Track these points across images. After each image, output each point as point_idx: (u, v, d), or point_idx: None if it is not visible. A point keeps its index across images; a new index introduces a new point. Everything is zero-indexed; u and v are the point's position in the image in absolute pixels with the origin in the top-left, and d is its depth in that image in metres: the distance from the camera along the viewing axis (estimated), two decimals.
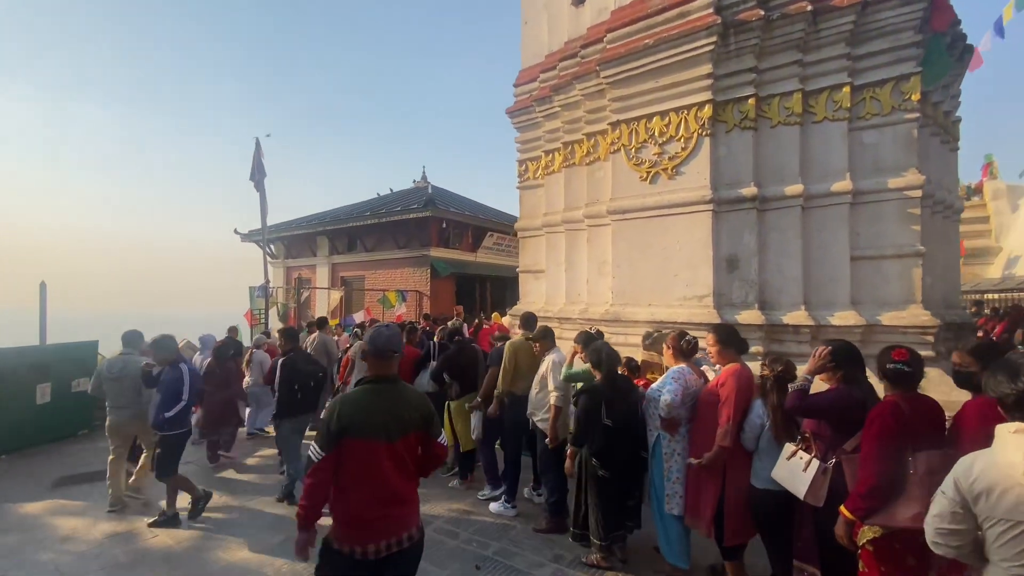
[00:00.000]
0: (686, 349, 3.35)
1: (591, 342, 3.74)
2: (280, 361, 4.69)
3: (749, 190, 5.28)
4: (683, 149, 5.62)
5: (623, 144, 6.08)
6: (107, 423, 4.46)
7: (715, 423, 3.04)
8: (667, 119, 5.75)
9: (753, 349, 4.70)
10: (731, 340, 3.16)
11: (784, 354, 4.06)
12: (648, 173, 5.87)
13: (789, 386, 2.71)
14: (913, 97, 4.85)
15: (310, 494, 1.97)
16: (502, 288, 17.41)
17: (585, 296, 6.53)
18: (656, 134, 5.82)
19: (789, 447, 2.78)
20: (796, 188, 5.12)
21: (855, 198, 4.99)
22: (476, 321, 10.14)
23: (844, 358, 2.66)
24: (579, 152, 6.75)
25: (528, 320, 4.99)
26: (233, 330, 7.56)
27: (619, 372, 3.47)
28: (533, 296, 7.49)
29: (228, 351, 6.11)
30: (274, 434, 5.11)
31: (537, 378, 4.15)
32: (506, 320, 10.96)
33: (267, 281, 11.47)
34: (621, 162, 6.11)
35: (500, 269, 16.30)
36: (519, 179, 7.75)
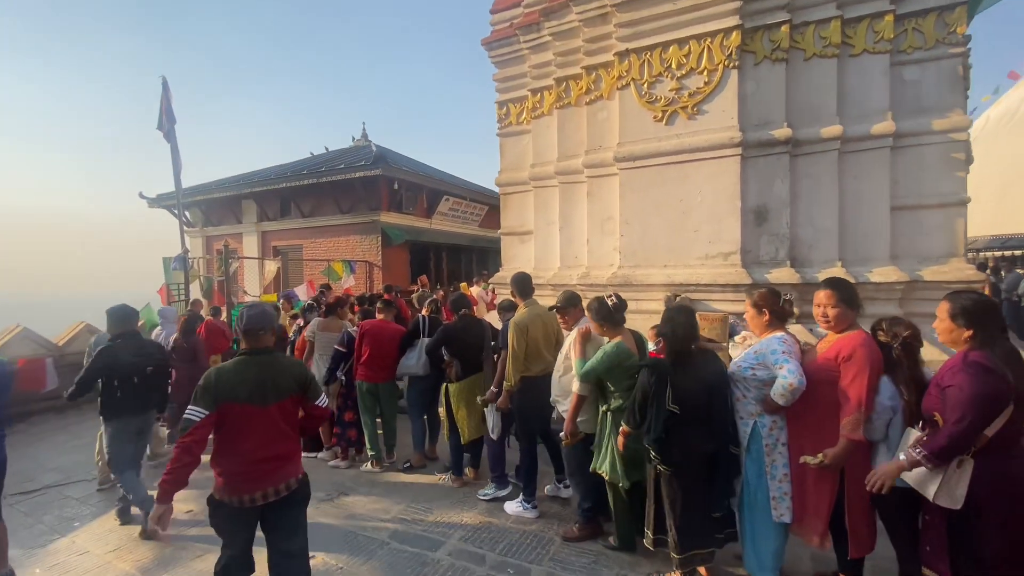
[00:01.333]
0: (788, 311, 2.63)
1: (611, 315, 2.90)
2: (99, 349, 3.52)
3: (782, 131, 4.64)
4: (706, 84, 4.85)
5: (633, 78, 5.20)
6: None
7: (830, 408, 2.37)
8: (687, 48, 4.93)
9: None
10: (853, 299, 2.46)
11: None
12: (664, 112, 5.06)
13: None
14: (958, 30, 4.38)
15: (183, 455, 2.06)
16: (459, 258, 16.27)
17: (585, 259, 5.71)
18: (673, 66, 5.00)
19: (912, 433, 2.17)
20: (834, 130, 4.54)
21: (896, 141, 4.50)
22: (442, 292, 9.07)
23: (978, 316, 2.03)
24: (576, 89, 5.79)
25: (523, 283, 3.92)
26: (197, 304, 7.59)
27: (694, 347, 2.66)
28: (519, 262, 6.56)
29: (195, 324, 5.71)
30: None
31: (561, 356, 3.29)
32: (475, 290, 10.00)
33: (185, 250, 9.59)
34: (630, 100, 5.24)
35: (457, 237, 15.13)
36: (499, 124, 6.67)
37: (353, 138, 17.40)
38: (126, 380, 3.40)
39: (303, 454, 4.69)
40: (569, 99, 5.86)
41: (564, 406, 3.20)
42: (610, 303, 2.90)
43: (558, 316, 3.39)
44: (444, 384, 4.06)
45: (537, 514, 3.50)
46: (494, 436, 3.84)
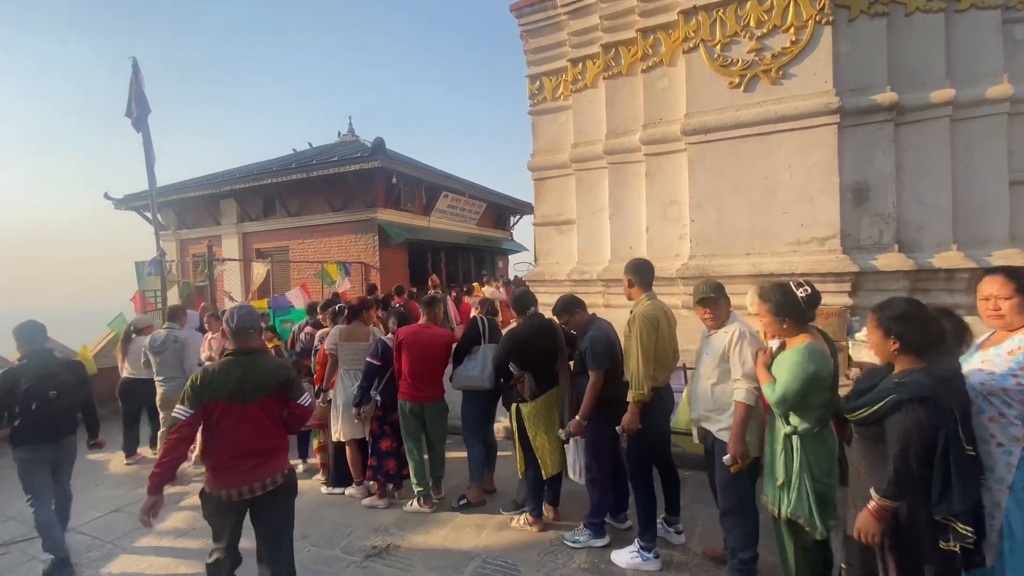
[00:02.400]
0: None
1: (802, 312, 2.17)
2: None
3: (885, 96, 4.03)
4: (792, 43, 4.21)
5: (702, 39, 4.53)
6: (159, 396, 4.52)
7: None
8: (768, 3, 4.28)
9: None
10: None
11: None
12: (741, 77, 4.40)
13: None
14: None
15: (171, 450, 2.16)
16: (457, 259, 15.40)
17: (643, 249, 5.00)
18: (752, 24, 4.34)
19: None
20: (945, 94, 3.96)
21: (1012, 107, 3.95)
22: (454, 293, 8.23)
23: None
24: (628, 56, 5.09)
25: (644, 271, 2.96)
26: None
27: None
28: (558, 255, 5.81)
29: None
30: None
31: (710, 362, 2.52)
32: (488, 291, 9.19)
33: (161, 252, 8.47)
34: (700, 64, 4.57)
35: (455, 236, 14.25)
36: (531, 101, 5.91)
37: (339, 133, 16.38)
38: (26, 407, 3.03)
39: (328, 490, 3.84)
40: (619, 67, 5.15)
41: (720, 425, 2.46)
42: (801, 294, 2.17)
43: (701, 311, 2.62)
44: (513, 405, 3.26)
45: (660, 565, 2.73)
46: (576, 478, 3.08)
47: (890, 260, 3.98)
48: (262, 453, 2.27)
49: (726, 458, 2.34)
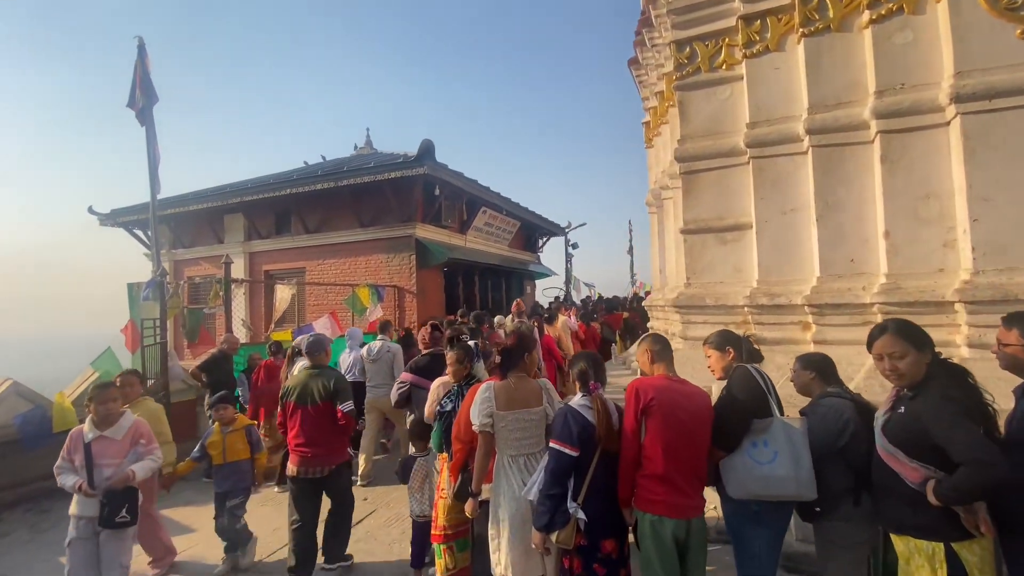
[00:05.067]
0: None
1: None
2: None
3: None
4: None
5: None
6: (367, 400, 5.06)
7: None
8: None
9: None
10: None
11: None
12: None
13: None
14: None
15: (279, 429, 3.40)
16: (487, 282, 13.84)
17: (880, 261, 3.60)
18: None
19: None
20: None
21: None
22: (533, 322, 6.69)
23: None
24: (839, 7, 3.80)
25: None
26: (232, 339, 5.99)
27: None
28: (720, 272, 4.37)
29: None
30: None
31: None
32: (561, 320, 7.63)
33: (162, 271, 6.81)
34: (973, 7, 3.28)
35: (488, 257, 12.76)
36: (679, 72, 4.58)
37: (356, 146, 14.99)
38: None
39: None
40: (826, 21, 3.85)
41: None
42: None
43: None
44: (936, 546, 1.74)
45: None
46: None
47: None
48: (317, 444, 3.16)
49: None
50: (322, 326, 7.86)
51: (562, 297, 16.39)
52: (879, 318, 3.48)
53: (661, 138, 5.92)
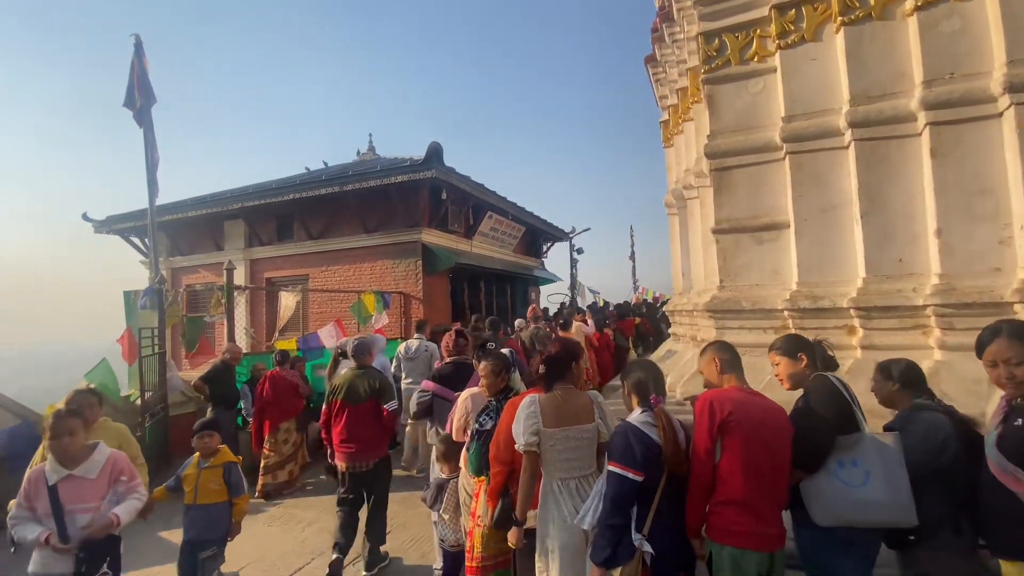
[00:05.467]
0: None
1: None
2: None
3: None
4: None
5: None
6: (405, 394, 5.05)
7: None
8: None
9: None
10: None
11: None
12: None
13: None
14: None
15: (321, 428, 3.62)
16: (492, 289, 13.59)
17: (932, 262, 3.38)
18: None
19: None
20: None
21: None
22: (549, 328, 6.45)
23: None
24: None
25: None
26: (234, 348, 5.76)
27: None
28: (756, 274, 4.15)
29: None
30: None
31: None
32: (576, 325, 7.39)
33: (160, 278, 6.55)
34: None
35: (493, 263, 12.52)
36: (707, 65, 4.38)
37: (358, 152, 14.80)
38: None
39: None
40: (867, 9, 3.66)
41: None
42: None
43: None
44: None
45: None
46: None
47: None
48: (360, 440, 3.41)
49: None
50: (327, 334, 7.60)
51: (567, 303, 16.17)
52: (932, 321, 3.27)
53: (683, 136, 5.72)
